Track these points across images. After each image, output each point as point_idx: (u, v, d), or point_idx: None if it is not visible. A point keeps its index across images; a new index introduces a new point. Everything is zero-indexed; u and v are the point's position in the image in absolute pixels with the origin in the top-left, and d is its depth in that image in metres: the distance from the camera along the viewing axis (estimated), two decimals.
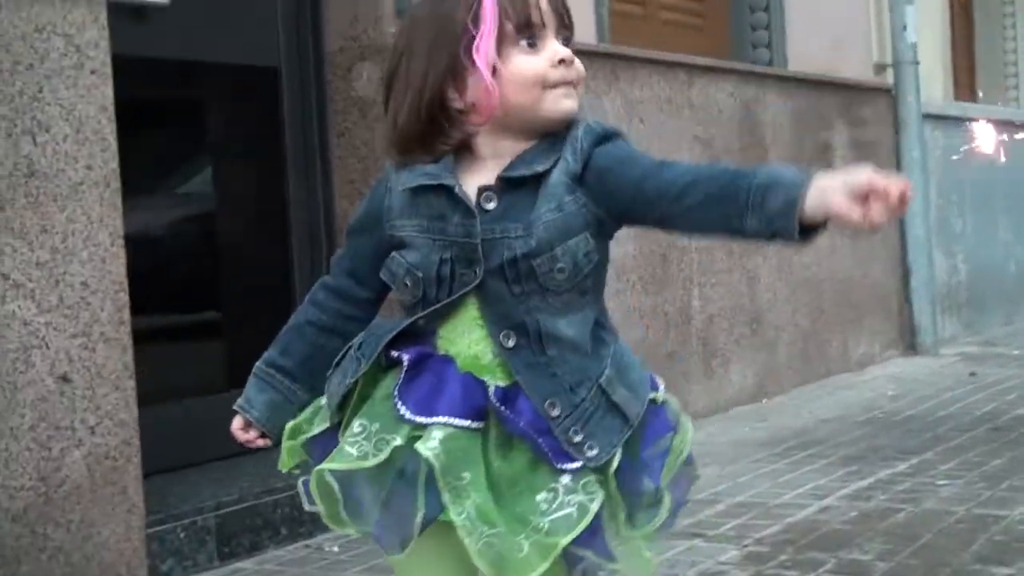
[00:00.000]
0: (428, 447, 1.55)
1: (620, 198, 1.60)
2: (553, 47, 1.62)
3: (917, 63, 6.60)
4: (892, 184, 1.44)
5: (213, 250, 3.98)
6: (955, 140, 7.38)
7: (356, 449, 1.59)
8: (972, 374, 5.92)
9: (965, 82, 8.23)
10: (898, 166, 6.63)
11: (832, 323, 6.04)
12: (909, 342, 6.67)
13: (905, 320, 6.66)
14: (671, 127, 5.01)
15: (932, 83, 7.14)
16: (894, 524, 3.36)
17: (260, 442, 1.76)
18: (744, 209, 1.52)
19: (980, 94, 8.40)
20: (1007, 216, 7.98)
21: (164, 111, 3.86)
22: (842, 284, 6.15)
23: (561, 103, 1.62)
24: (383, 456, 1.58)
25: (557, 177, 1.61)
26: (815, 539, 3.27)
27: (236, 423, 1.77)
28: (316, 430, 1.68)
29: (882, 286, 6.52)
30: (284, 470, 1.73)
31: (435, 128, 1.62)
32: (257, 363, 1.78)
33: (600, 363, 1.64)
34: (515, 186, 1.61)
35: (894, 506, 3.54)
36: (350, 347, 1.69)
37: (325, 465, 1.61)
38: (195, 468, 3.53)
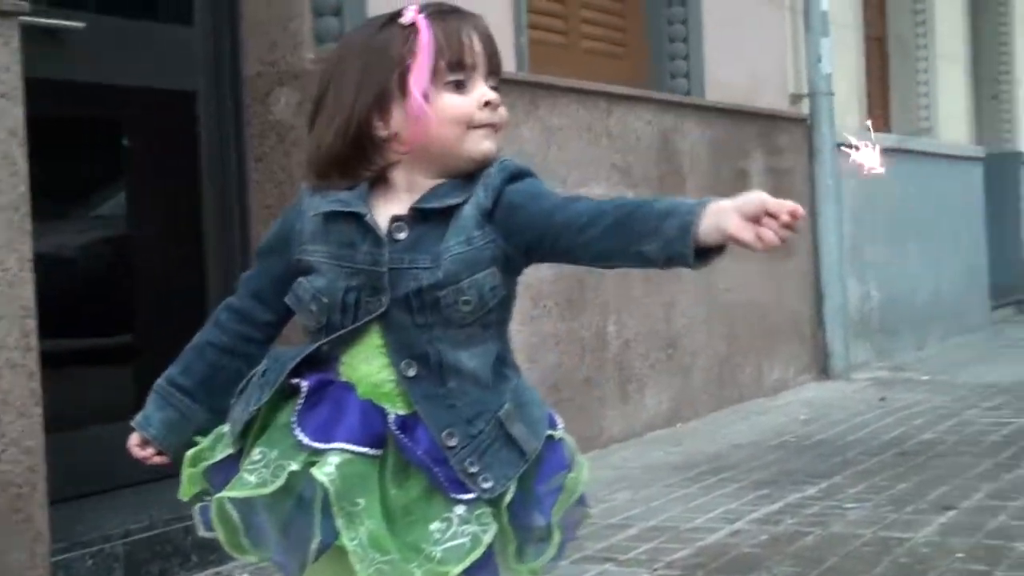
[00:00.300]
0: (324, 472, 1.57)
1: (530, 231, 1.63)
2: (481, 89, 1.66)
3: (832, 94, 6.73)
4: (783, 205, 1.49)
5: (127, 274, 3.94)
6: None
7: (255, 476, 1.61)
8: (882, 399, 6.03)
9: (879, 113, 8.39)
10: (812, 194, 6.75)
11: (746, 348, 6.13)
12: (822, 367, 6.78)
13: (818, 346, 6.77)
14: (589, 155, 5.06)
15: (847, 113, 7.27)
16: (802, 547, 3.42)
17: (157, 459, 1.78)
18: (643, 235, 1.55)
19: (893, 125, 8.57)
20: (918, 244, 8.14)
21: (79, 134, 3.83)
22: (757, 310, 6.23)
23: (482, 144, 1.66)
24: (280, 482, 1.59)
25: (468, 211, 1.64)
26: (725, 563, 3.31)
27: (133, 439, 1.79)
28: (218, 456, 1.69)
29: (796, 312, 6.62)
30: (185, 498, 1.73)
31: (359, 153, 1.65)
32: (158, 380, 1.80)
33: (500, 397, 1.67)
34: (426, 218, 1.64)
35: (803, 529, 3.60)
36: (253, 374, 1.71)
37: (225, 493, 1.62)
38: (104, 495, 3.49)
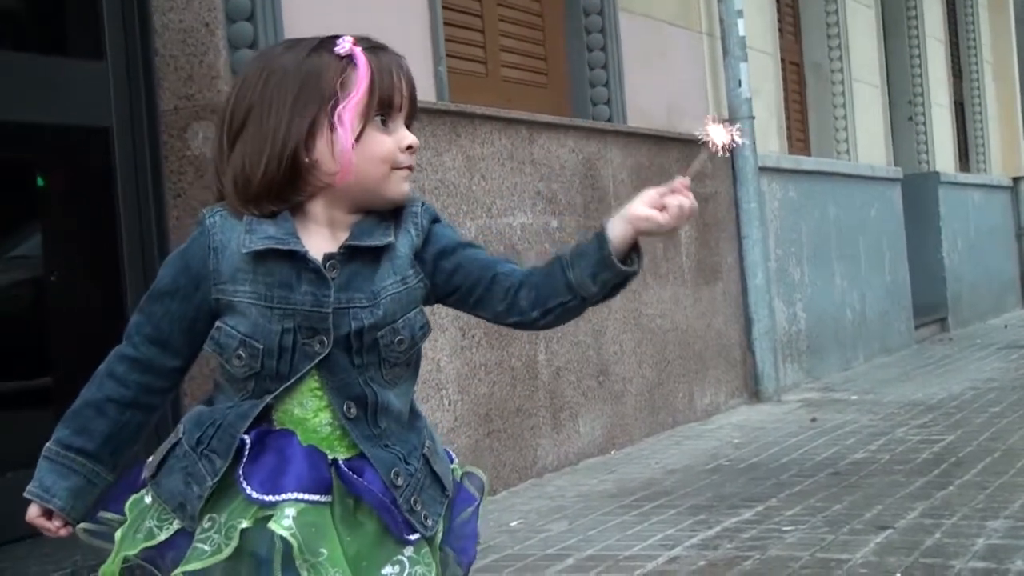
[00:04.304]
0: (283, 526, 1.52)
1: (464, 277, 1.64)
2: (404, 131, 1.64)
3: (752, 118, 6.77)
4: (674, 184, 1.61)
5: (44, 315, 3.84)
6: (790, 192, 7.58)
7: (208, 544, 1.55)
8: (813, 420, 6.04)
9: (799, 136, 8.47)
10: (737, 218, 6.78)
11: (677, 373, 6.12)
12: (753, 390, 6.79)
13: (748, 368, 6.78)
14: (513, 183, 5.03)
15: (768, 137, 7.33)
16: (741, 572, 3.39)
17: (63, 532, 1.68)
18: (565, 267, 1.62)
19: (813, 148, 8.65)
20: (841, 264, 8.21)
21: None
22: (686, 335, 6.23)
23: (402, 185, 1.64)
24: (234, 543, 1.53)
25: (403, 251, 1.63)
26: None
27: (33, 511, 1.67)
28: (162, 536, 1.61)
29: (725, 336, 6.63)
30: None
31: (292, 181, 1.60)
32: (48, 445, 1.68)
33: (419, 434, 1.66)
34: (355, 256, 1.61)
35: (741, 554, 3.57)
36: (177, 443, 1.63)
37: (181, 568, 1.55)
38: (25, 542, 3.38)
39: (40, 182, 3.92)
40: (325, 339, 1.58)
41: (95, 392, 1.67)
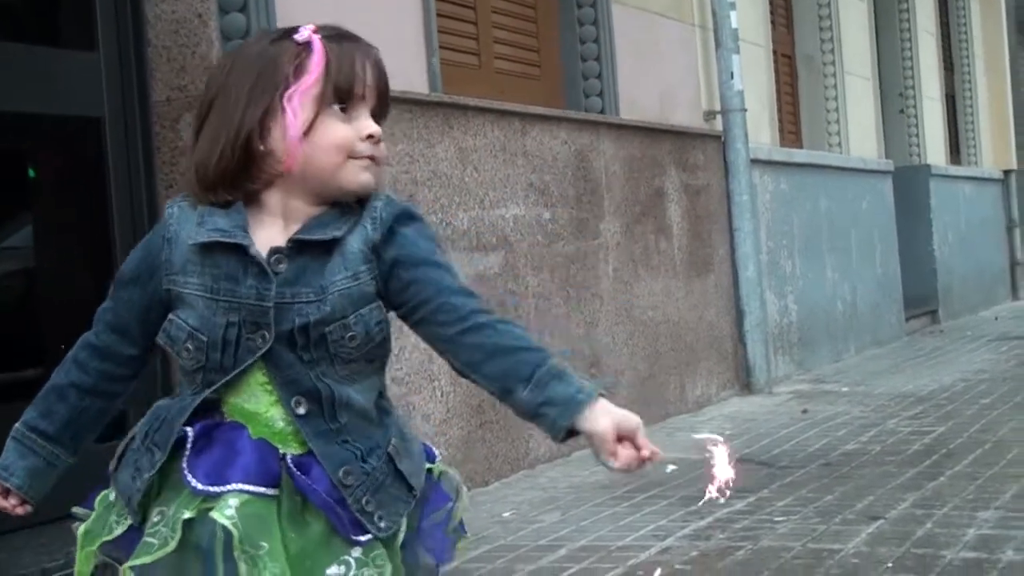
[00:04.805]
0: (225, 515, 1.51)
1: (414, 294, 1.61)
2: (366, 120, 1.61)
3: (744, 110, 6.78)
4: (649, 445, 1.55)
5: (35, 306, 3.84)
6: (782, 184, 7.59)
7: (156, 538, 1.54)
8: (804, 411, 6.05)
9: (790, 128, 8.48)
10: (729, 210, 6.79)
11: (669, 365, 6.13)
12: (744, 382, 6.80)
13: (740, 360, 6.79)
14: (505, 175, 5.03)
15: (759, 129, 7.33)
16: (733, 562, 3.40)
17: (19, 510, 1.69)
18: (527, 379, 1.58)
19: (804, 140, 8.66)
20: (832, 256, 8.23)
21: None
22: (678, 327, 6.24)
23: (360, 175, 1.61)
24: (178, 535, 1.52)
25: (355, 245, 1.59)
26: None
27: None
28: (118, 531, 1.60)
29: (717, 328, 6.64)
30: None
31: (245, 167, 1.59)
32: (17, 425, 1.70)
33: (386, 432, 1.64)
34: (305, 249, 1.59)
35: (733, 544, 3.58)
36: (133, 437, 1.63)
37: (130, 563, 1.55)
38: (19, 533, 3.37)
39: (31, 172, 3.91)
40: (267, 334, 1.57)
41: (62, 377, 1.69)
